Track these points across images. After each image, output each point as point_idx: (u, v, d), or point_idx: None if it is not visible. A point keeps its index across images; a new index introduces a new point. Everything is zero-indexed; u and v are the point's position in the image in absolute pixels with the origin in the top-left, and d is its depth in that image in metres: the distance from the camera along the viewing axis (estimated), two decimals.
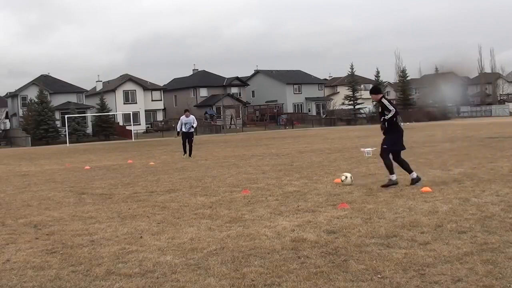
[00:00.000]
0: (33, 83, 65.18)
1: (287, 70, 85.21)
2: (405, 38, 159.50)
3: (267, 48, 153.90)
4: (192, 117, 19.75)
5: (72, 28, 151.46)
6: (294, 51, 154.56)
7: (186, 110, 20.19)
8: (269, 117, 73.16)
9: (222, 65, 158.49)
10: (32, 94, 61.96)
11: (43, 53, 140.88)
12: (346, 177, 9.75)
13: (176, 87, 77.48)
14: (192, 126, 19.47)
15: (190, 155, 19.57)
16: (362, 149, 14.73)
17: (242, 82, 79.08)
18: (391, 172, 9.24)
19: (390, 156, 9.35)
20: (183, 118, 19.66)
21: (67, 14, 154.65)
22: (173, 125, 64.10)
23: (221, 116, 70.03)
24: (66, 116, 56.55)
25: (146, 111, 70.41)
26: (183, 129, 19.48)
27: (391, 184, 9.19)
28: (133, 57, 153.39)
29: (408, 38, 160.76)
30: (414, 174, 9.32)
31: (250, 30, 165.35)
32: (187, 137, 19.61)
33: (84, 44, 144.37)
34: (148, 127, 69.18)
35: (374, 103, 74.07)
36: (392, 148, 9.35)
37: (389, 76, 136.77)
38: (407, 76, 77.89)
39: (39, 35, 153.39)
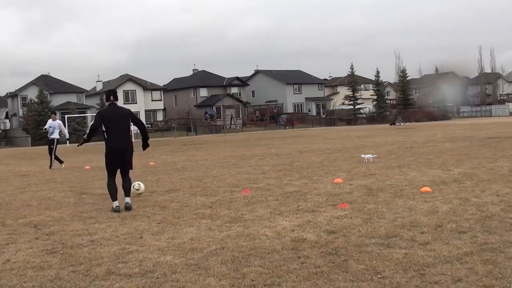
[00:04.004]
0: (33, 83, 65.21)
1: (287, 70, 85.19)
2: (408, 38, 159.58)
3: (269, 48, 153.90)
4: (58, 121, 17.72)
5: (75, 27, 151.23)
6: (297, 51, 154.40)
7: (52, 113, 18.17)
8: (269, 117, 73.14)
9: (222, 65, 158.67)
10: (32, 94, 61.97)
11: (46, 52, 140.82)
12: (140, 185, 9.39)
13: (176, 87, 77.47)
14: (52, 132, 17.31)
15: (58, 162, 17.57)
16: (363, 155, 14.72)
17: (242, 82, 79.05)
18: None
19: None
20: (49, 121, 17.51)
21: (70, 12, 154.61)
22: (173, 125, 64.15)
23: (221, 116, 70.01)
24: (66, 116, 56.55)
25: (146, 111, 70.40)
26: (49, 135, 17.38)
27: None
28: (136, 56, 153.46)
29: (411, 38, 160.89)
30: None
31: (253, 29, 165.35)
32: (52, 144, 17.43)
33: (87, 43, 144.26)
34: (148, 127, 69.15)
35: (375, 103, 74.55)
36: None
37: (389, 76, 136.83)
38: (407, 76, 77.90)
39: (42, 34, 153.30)
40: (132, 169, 8.59)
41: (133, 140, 8.76)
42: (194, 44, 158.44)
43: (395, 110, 72.99)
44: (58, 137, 17.69)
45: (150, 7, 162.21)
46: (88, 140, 8.70)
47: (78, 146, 8.93)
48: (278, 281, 4.41)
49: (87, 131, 8.79)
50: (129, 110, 8.76)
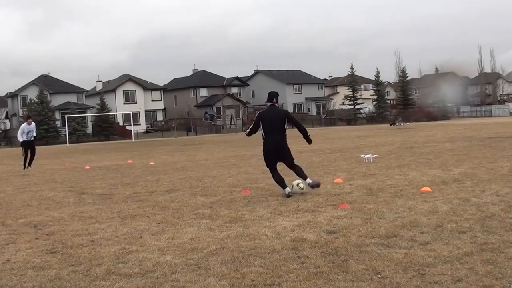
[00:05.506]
0: (33, 83, 65.25)
1: (287, 70, 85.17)
2: (408, 38, 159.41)
3: (269, 48, 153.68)
4: (34, 124, 17.79)
5: (76, 26, 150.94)
6: (297, 51, 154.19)
7: (28, 117, 18.32)
8: None
9: (222, 65, 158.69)
10: (32, 94, 62.01)
11: (46, 52, 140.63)
12: (293, 186, 8.91)
13: (176, 87, 77.47)
14: (34, 136, 17.60)
15: (30, 164, 17.55)
16: (363, 155, 14.72)
17: (242, 82, 79.05)
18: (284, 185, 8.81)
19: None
20: (24, 126, 17.56)
21: (70, 12, 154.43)
22: (173, 125, 64.14)
23: (221, 116, 70.03)
24: (66, 116, 56.62)
25: (146, 111, 70.41)
26: (25, 138, 17.32)
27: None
28: (136, 56, 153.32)
29: (411, 38, 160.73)
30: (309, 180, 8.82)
31: (253, 29, 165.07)
32: (30, 147, 17.55)
33: (87, 43, 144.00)
34: (148, 127, 69.18)
35: (375, 103, 74.46)
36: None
37: (389, 76, 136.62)
38: (407, 76, 77.87)
39: (42, 34, 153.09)
40: (292, 160, 8.99)
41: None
42: (194, 44, 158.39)
43: (395, 110, 72.97)
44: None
45: (150, 7, 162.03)
46: (248, 135, 9.31)
47: (247, 135, 9.41)
48: (278, 281, 4.41)
49: (250, 126, 9.29)
50: (286, 111, 9.26)
